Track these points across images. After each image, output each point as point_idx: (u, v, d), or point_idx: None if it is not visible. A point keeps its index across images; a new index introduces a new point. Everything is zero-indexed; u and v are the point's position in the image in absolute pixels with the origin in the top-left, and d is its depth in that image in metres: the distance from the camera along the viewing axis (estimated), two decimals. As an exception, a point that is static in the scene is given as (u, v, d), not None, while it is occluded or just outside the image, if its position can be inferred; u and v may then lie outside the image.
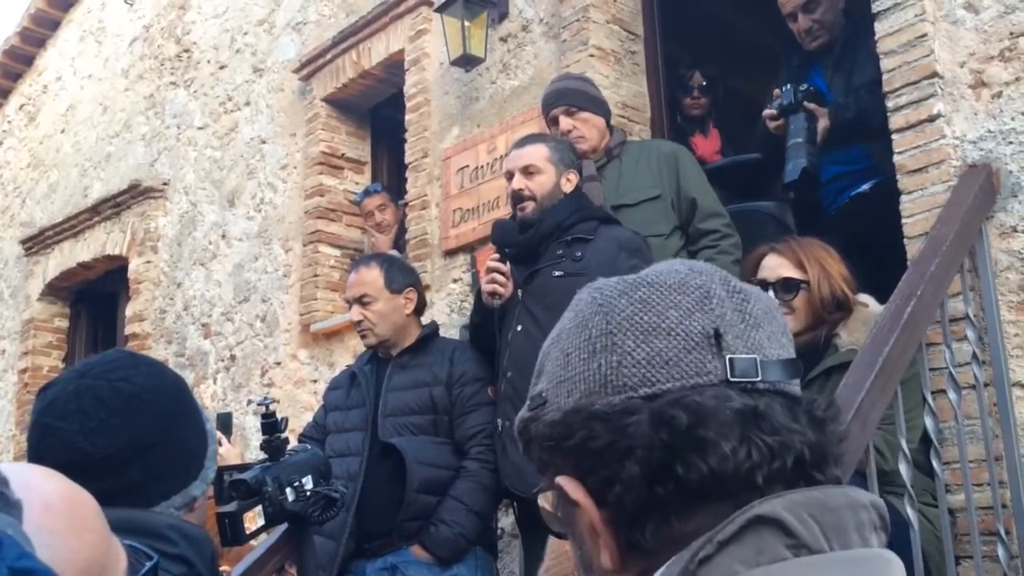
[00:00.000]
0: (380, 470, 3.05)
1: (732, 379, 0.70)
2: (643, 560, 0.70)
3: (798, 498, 0.67)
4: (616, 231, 2.98)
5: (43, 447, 1.23)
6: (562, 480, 0.73)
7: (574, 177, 3.10)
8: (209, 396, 6.06)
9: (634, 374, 0.71)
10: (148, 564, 1.01)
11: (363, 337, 3.29)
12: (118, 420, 1.24)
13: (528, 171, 3.07)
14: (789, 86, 3.38)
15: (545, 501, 0.79)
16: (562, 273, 2.91)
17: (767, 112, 3.45)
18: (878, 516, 0.71)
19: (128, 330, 6.79)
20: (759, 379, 0.71)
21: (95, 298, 7.90)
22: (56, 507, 0.85)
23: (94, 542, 0.87)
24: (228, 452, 3.07)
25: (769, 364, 0.72)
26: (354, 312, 3.24)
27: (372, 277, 3.23)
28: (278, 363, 5.69)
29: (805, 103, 3.35)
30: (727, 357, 0.71)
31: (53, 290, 7.74)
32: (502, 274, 2.97)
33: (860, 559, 0.66)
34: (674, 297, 0.74)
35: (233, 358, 6.02)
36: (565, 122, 3.34)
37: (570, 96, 3.40)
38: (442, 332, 3.55)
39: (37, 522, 0.81)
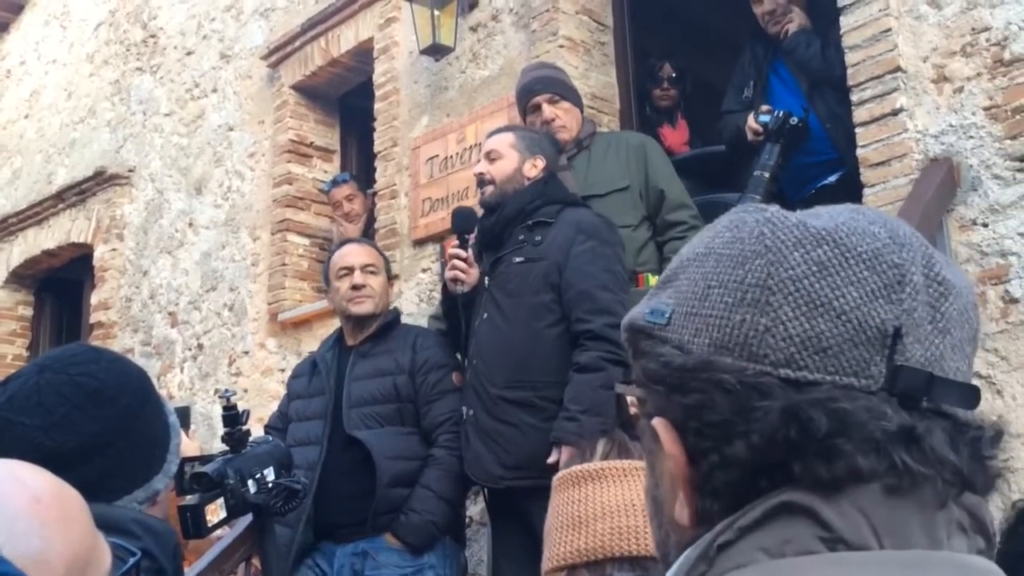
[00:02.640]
0: (344, 460, 3.05)
1: (893, 392, 0.58)
2: (706, 528, 0.62)
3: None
4: (579, 213, 2.96)
5: (3, 442, 1.22)
6: (658, 424, 0.64)
7: (540, 163, 3.08)
8: (176, 385, 6.01)
9: (780, 349, 0.59)
10: (131, 560, 1.02)
11: (360, 304, 3.22)
12: (80, 415, 1.24)
13: (490, 157, 3.10)
14: (780, 113, 3.35)
15: (631, 402, 0.74)
16: (523, 259, 2.92)
17: (751, 125, 3.42)
18: (968, 516, 0.59)
19: (93, 318, 6.71)
20: (925, 401, 0.59)
21: (60, 286, 7.81)
22: (45, 500, 0.87)
23: (82, 534, 0.89)
24: (187, 446, 3.06)
25: (942, 384, 0.59)
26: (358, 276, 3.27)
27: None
28: (246, 352, 5.66)
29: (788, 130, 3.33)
30: (897, 364, 0.59)
31: (17, 278, 7.64)
32: (463, 260, 2.98)
33: (918, 561, 0.56)
34: (860, 271, 0.60)
35: (200, 347, 5.97)
36: (548, 110, 3.33)
37: (554, 85, 3.39)
38: (412, 322, 3.54)
39: (28, 514, 0.84)
